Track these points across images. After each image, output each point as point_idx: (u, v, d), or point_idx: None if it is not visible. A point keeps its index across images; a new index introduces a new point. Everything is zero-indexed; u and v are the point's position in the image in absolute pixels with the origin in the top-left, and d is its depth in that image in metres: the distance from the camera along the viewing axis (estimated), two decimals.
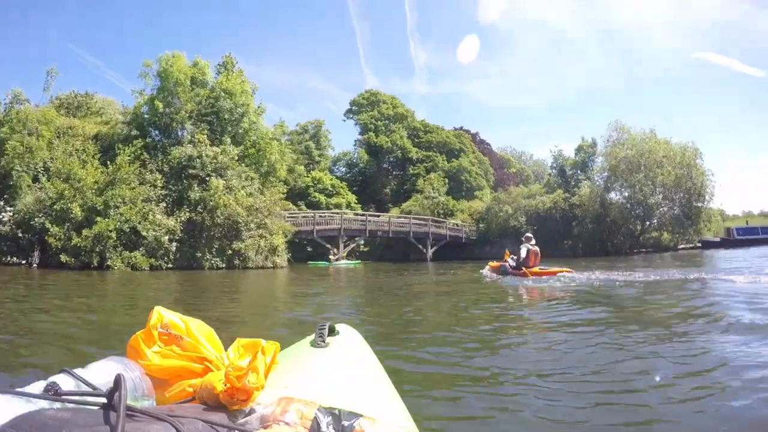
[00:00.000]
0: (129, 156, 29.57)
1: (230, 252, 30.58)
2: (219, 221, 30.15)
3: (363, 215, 47.38)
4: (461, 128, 69.76)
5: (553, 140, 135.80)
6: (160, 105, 32.34)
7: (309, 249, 46.32)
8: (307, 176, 55.91)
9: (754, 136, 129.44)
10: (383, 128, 64.62)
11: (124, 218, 28.03)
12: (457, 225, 52.46)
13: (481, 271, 18.73)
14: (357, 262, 42.51)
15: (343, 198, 56.07)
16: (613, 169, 47.37)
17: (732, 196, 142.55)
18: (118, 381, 1.04)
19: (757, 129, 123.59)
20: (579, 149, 54.26)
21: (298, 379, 1.59)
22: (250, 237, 31.39)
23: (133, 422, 1.02)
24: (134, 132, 32.66)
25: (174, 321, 1.56)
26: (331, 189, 56.20)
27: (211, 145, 32.27)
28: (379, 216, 49.04)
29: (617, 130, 49.09)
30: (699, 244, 47.30)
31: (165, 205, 30.20)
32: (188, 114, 32.86)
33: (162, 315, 1.55)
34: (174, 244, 29.27)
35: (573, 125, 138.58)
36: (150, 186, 30.09)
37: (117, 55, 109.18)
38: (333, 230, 42.82)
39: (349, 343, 2.12)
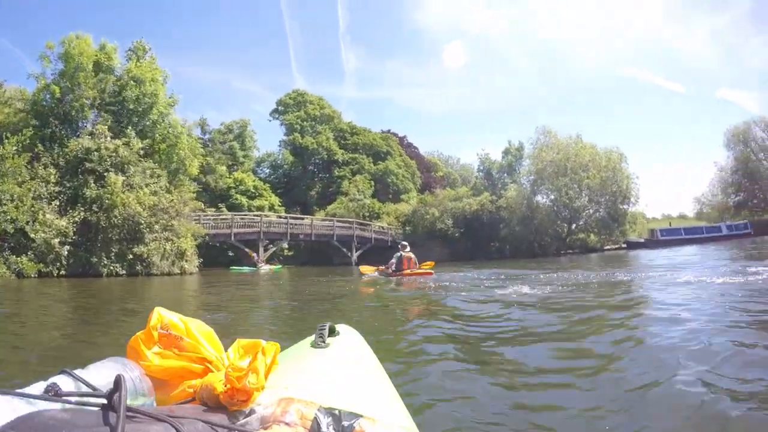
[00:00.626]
0: (15, 146, 25.50)
1: (131, 257, 26.85)
2: (117, 222, 26.41)
3: (284, 218, 44.02)
4: (389, 131, 66.91)
5: (480, 147, 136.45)
6: (57, 90, 28.41)
7: (231, 254, 43.20)
8: (229, 177, 52.24)
9: (674, 146, 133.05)
10: (309, 129, 61.13)
11: (9, 218, 24.15)
12: (382, 228, 49.70)
13: (362, 275, 20.32)
14: (279, 266, 39.46)
15: (266, 200, 52.40)
16: (540, 173, 46.43)
17: (653, 200, 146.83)
18: (118, 382, 0.99)
19: (677, 139, 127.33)
20: (506, 152, 53.11)
21: (298, 379, 1.53)
22: (153, 240, 27.68)
23: (133, 423, 0.99)
24: (33, 122, 28.51)
25: (174, 321, 1.48)
26: (253, 191, 52.49)
27: (114, 138, 28.43)
28: (302, 219, 45.70)
29: (544, 134, 48.22)
30: (624, 245, 46.95)
31: (58, 203, 26.27)
32: (89, 102, 28.92)
33: (162, 316, 1.47)
34: (66, 247, 25.43)
35: (500, 134, 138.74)
36: (42, 182, 26.15)
37: (39, 46, 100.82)
38: (252, 233, 39.42)
39: (349, 344, 2.07)
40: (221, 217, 39.67)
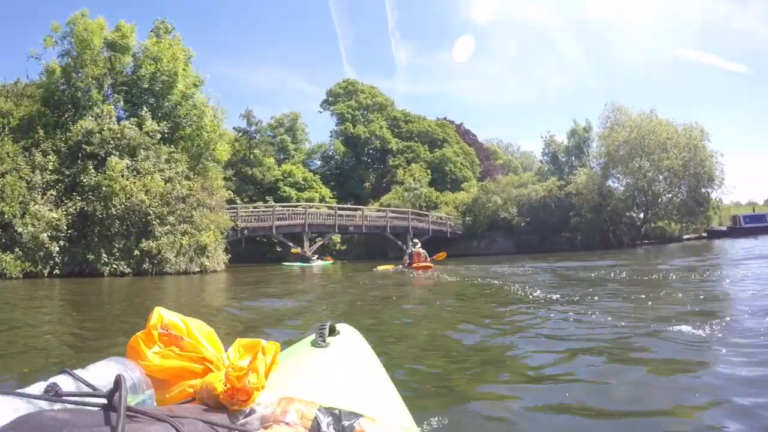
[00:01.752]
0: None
1: (137, 253, 21.58)
2: (117, 213, 21.17)
3: (332, 209, 38.14)
4: (444, 118, 60.58)
5: (544, 130, 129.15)
6: (57, 68, 23.54)
7: (279, 249, 38.10)
8: (277, 170, 47.10)
9: (742, 130, 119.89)
10: (361, 118, 55.53)
11: None
12: (440, 218, 43.39)
13: (375, 269, 20.54)
14: (330, 262, 34.11)
15: (317, 192, 47.01)
16: (612, 154, 39.46)
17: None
18: (118, 381, 0.96)
19: (745, 122, 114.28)
20: (572, 133, 46.05)
21: (298, 379, 1.49)
22: (166, 233, 22.38)
23: (133, 423, 0.95)
24: (41, 108, 23.65)
25: (174, 321, 1.42)
26: (303, 183, 47.13)
27: (127, 119, 23.49)
28: (352, 209, 39.64)
29: (614, 112, 40.96)
30: (704, 234, 40.20)
31: (55, 193, 21.34)
32: (97, 82, 23.83)
33: (162, 315, 1.41)
34: (58, 243, 20.43)
35: (556, 124, 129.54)
36: (38, 170, 21.28)
37: None
38: (296, 226, 33.97)
39: (350, 343, 1.98)
40: (261, 209, 34.30)
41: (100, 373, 1.13)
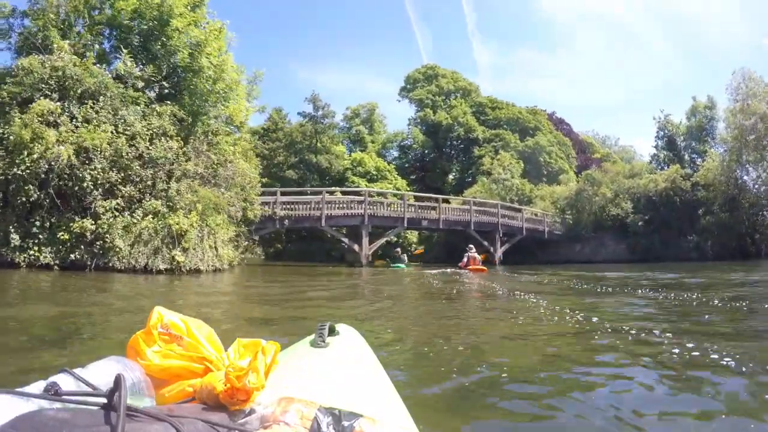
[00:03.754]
0: None
1: (67, 237, 13.17)
2: (22, 173, 12.67)
3: (400, 198, 28.90)
4: (535, 107, 50.24)
5: (658, 109, 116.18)
6: (7, 5, 16.17)
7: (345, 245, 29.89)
8: (346, 158, 38.94)
9: None
10: (442, 104, 46.39)
11: None
12: (536, 215, 33.21)
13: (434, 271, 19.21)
14: (402, 265, 25.98)
15: (391, 183, 38.54)
16: (745, 135, 28.57)
17: None
18: (118, 381, 0.91)
19: None
20: (692, 112, 34.93)
21: (298, 379, 1.42)
22: (114, 210, 13.78)
23: (133, 422, 0.90)
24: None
25: (174, 321, 1.33)
26: (375, 173, 38.84)
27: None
28: (427, 199, 30.11)
29: (746, 81, 29.54)
30: None
31: None
32: (53, 17, 16.08)
33: (162, 315, 1.32)
34: None
35: (647, 122, 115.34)
36: None
37: None
38: (353, 217, 25.39)
39: (349, 343, 1.84)
40: (313, 195, 25.97)
41: (100, 373, 1.06)
